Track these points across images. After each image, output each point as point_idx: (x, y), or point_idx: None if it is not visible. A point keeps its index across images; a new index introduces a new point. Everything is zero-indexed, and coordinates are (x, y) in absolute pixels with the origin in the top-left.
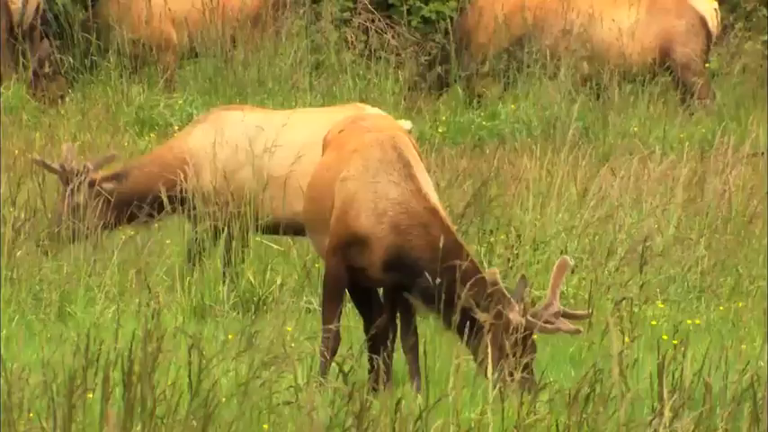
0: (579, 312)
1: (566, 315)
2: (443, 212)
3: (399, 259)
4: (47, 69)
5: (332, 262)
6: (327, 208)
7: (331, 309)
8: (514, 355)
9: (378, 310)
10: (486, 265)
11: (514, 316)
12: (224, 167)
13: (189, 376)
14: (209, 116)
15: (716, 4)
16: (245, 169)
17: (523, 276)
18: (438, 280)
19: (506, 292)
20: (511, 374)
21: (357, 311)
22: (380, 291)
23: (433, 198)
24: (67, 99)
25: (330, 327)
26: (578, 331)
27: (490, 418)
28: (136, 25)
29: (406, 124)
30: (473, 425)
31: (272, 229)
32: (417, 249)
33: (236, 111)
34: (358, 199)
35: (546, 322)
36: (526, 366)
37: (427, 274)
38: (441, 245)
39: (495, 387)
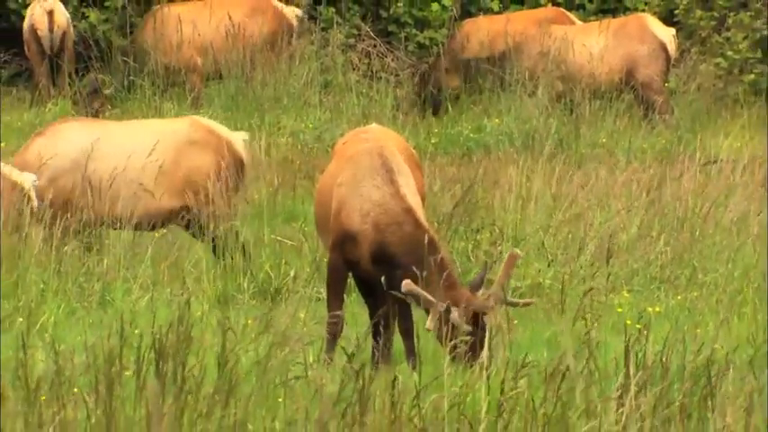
0: (523, 301)
1: (510, 303)
2: (420, 212)
3: (381, 254)
4: (98, 104)
5: (332, 256)
6: (329, 209)
7: (334, 297)
8: (451, 338)
9: (380, 298)
10: (473, 258)
11: (429, 322)
12: (54, 175)
13: (220, 355)
14: (48, 129)
15: (674, 31)
16: (75, 176)
17: (485, 263)
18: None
19: (429, 296)
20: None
21: (362, 300)
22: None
23: (411, 199)
24: (107, 114)
25: (336, 313)
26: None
27: (483, 392)
28: (168, 51)
29: (243, 135)
30: (462, 399)
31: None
32: (393, 245)
33: (72, 123)
34: (348, 201)
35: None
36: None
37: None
38: (405, 240)
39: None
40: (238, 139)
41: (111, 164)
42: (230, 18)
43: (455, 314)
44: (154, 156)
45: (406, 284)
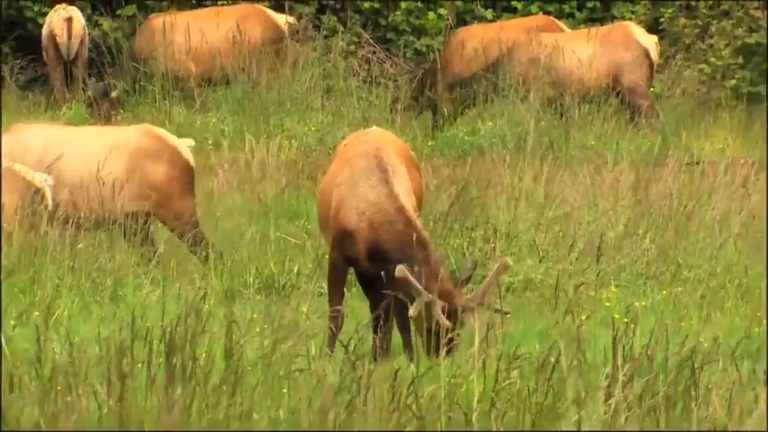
0: (504, 309)
1: (493, 309)
2: (412, 211)
3: (375, 251)
4: (107, 108)
5: (333, 253)
6: (330, 208)
7: (335, 291)
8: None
9: (380, 293)
10: (467, 255)
11: (413, 309)
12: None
13: (227, 347)
14: (12, 128)
15: (656, 38)
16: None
17: (475, 261)
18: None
19: (418, 285)
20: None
21: (362, 294)
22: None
23: (404, 199)
24: (119, 118)
25: (337, 307)
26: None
27: (475, 382)
28: (165, 58)
29: (189, 142)
30: (457, 389)
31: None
32: (386, 242)
33: (34, 124)
34: (345, 200)
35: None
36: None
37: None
38: (402, 239)
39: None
40: (185, 146)
41: (70, 167)
42: (238, 26)
43: (438, 309)
44: (110, 161)
45: (400, 270)
